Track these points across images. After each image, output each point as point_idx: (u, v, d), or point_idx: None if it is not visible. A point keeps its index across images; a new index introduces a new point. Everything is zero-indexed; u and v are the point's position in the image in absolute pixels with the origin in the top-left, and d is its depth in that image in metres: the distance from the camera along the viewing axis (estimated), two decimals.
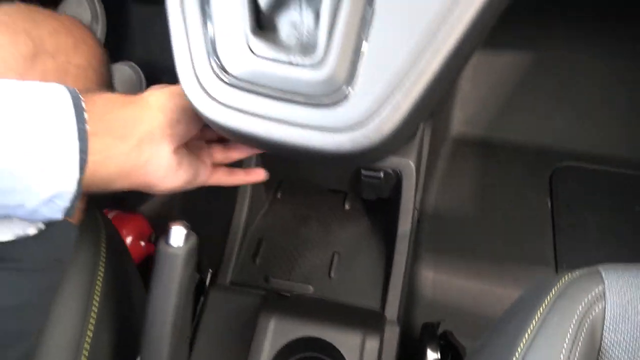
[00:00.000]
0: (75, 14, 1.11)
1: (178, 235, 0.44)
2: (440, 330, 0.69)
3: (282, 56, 0.37)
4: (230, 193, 0.75)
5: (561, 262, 0.90)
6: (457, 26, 0.35)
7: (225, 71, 0.39)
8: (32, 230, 0.40)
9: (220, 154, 0.50)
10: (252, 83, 0.38)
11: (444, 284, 0.88)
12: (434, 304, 0.86)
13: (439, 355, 0.65)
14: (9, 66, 0.43)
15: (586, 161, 0.97)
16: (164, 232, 0.44)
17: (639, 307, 0.39)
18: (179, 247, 0.43)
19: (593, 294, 0.41)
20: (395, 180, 0.67)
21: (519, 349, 0.40)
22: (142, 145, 0.39)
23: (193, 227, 0.44)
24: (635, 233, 0.92)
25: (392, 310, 0.64)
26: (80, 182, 0.35)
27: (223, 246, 0.72)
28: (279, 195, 0.78)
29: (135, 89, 1.05)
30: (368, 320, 0.60)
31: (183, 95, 0.40)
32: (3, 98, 0.33)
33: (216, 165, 0.49)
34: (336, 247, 0.72)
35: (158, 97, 0.42)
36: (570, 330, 0.39)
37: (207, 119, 0.39)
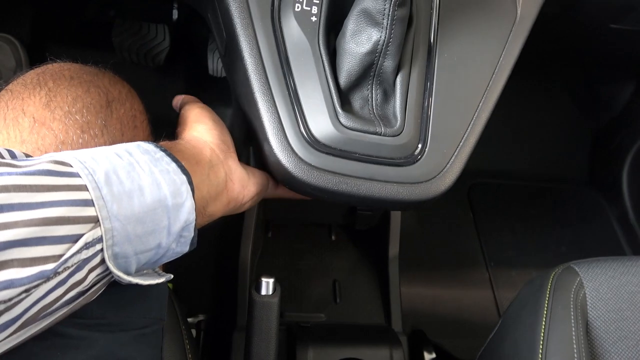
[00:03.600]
0: None
1: (268, 286, 0.49)
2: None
3: (369, 128, 0.46)
4: (230, 239, 0.79)
5: (490, 261, 1.11)
6: (492, 96, 0.49)
7: (317, 141, 0.46)
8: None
9: None
10: (341, 150, 0.46)
11: (410, 294, 1.02)
12: (407, 312, 0.99)
13: (434, 355, 0.77)
14: (95, 113, 0.45)
15: (493, 177, 1.21)
16: (255, 285, 0.49)
17: (607, 288, 0.56)
18: (271, 296, 0.49)
19: (575, 284, 0.57)
20: (384, 211, 0.78)
21: (542, 332, 0.53)
22: (214, 167, 0.44)
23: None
24: (533, 231, 1.18)
25: (397, 323, 0.75)
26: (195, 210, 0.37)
27: (228, 289, 0.76)
28: (269, 235, 0.84)
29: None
30: (385, 336, 0.70)
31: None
32: (141, 163, 0.36)
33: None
34: (334, 275, 0.80)
35: (197, 126, 0.47)
36: (572, 312, 0.54)
37: (302, 182, 0.46)
